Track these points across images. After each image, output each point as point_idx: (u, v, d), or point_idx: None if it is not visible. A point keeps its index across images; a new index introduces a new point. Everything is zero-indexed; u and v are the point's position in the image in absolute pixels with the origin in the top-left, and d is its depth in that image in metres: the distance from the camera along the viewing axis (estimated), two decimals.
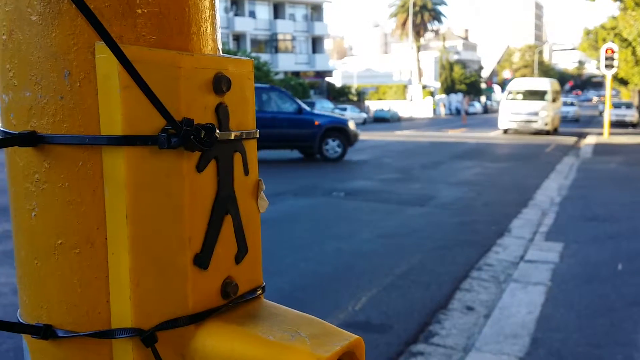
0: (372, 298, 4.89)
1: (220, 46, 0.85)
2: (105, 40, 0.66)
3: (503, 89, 29.85)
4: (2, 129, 0.76)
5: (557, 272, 5.61)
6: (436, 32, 68.33)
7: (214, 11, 0.82)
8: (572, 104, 42.15)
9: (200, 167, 0.75)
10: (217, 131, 0.74)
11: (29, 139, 0.71)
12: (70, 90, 0.70)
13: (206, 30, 0.80)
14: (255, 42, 50.79)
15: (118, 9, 0.70)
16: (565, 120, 31.48)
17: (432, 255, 6.30)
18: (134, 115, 0.69)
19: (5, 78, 0.74)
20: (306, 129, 15.03)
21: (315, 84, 52.82)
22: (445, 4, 64.37)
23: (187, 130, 0.71)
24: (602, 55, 18.23)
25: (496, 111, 33.13)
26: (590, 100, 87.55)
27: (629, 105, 36.80)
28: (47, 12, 0.70)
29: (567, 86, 75.20)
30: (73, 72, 0.70)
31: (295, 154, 16.76)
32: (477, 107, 54.73)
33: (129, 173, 0.69)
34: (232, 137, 0.79)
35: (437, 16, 63.41)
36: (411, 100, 55.41)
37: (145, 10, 0.72)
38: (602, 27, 31.87)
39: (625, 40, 25.93)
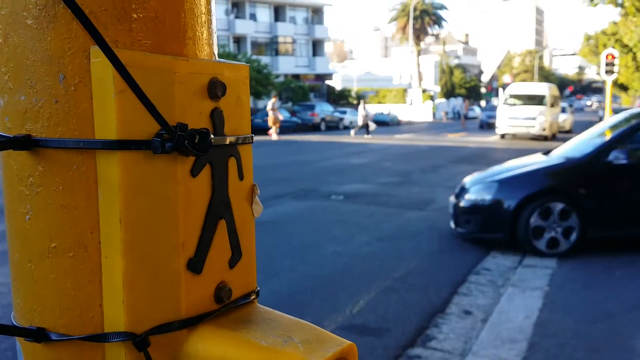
0: (370, 301, 4.89)
1: (216, 51, 0.85)
2: (100, 44, 0.66)
3: None
4: None
5: (555, 277, 5.61)
6: (436, 36, 68.36)
7: (210, 16, 0.82)
8: (563, 110, 31.76)
9: (194, 172, 0.75)
10: (212, 136, 0.74)
11: (24, 143, 0.72)
12: (65, 94, 0.71)
13: (202, 35, 0.80)
14: (256, 45, 50.82)
15: (114, 13, 0.71)
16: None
17: (430, 259, 6.30)
18: (128, 119, 0.69)
19: (0, 81, 0.74)
20: None
21: (316, 87, 52.84)
22: (446, 8, 64.46)
23: (181, 135, 0.71)
24: (603, 60, 18.25)
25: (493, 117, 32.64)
26: (589, 105, 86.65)
27: None
28: (43, 16, 0.70)
29: (567, 91, 75.20)
30: (68, 76, 0.70)
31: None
32: (477, 111, 54.77)
33: (123, 177, 0.70)
34: (227, 142, 0.80)
35: (437, 20, 63.47)
36: (411, 104, 55.48)
37: (141, 15, 0.72)
38: (603, 32, 31.91)
39: (626, 46, 25.97)
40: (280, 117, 27.65)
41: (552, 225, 6.47)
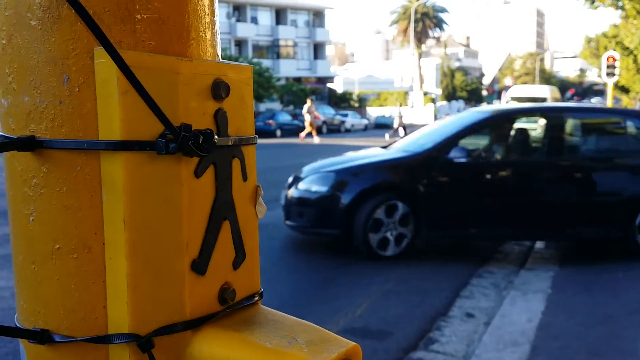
0: (371, 304, 4.88)
1: (219, 52, 0.85)
2: (104, 45, 0.66)
3: None
4: (0, 133, 0.76)
5: (557, 280, 5.60)
6: (437, 39, 68.47)
7: (214, 17, 0.82)
8: None
9: (198, 173, 0.75)
10: (216, 137, 0.74)
11: (28, 144, 0.72)
12: (69, 95, 0.71)
13: (205, 36, 0.80)
14: (257, 48, 50.90)
15: (117, 14, 0.71)
16: None
17: (432, 261, 6.29)
18: (132, 120, 0.69)
19: (4, 82, 0.74)
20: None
21: (317, 90, 52.85)
22: (447, 11, 64.54)
23: (185, 136, 0.71)
24: (604, 63, 18.25)
25: None
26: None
27: None
28: (47, 17, 0.70)
29: (569, 94, 75.00)
30: (72, 77, 0.70)
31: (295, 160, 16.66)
32: None
33: (127, 178, 0.69)
34: (231, 143, 0.80)
35: (438, 23, 63.54)
36: (412, 106, 55.52)
37: (145, 16, 0.72)
38: (604, 35, 31.96)
39: (627, 48, 25.97)
40: (318, 117, 27.34)
41: (388, 223, 6.09)
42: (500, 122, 7.06)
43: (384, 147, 7.40)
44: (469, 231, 6.40)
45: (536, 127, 7.33)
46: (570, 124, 6.86)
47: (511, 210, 6.29)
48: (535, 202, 6.32)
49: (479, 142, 6.95)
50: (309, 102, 27.36)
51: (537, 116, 7.31)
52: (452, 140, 6.35)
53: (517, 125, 7.10)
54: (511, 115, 7.27)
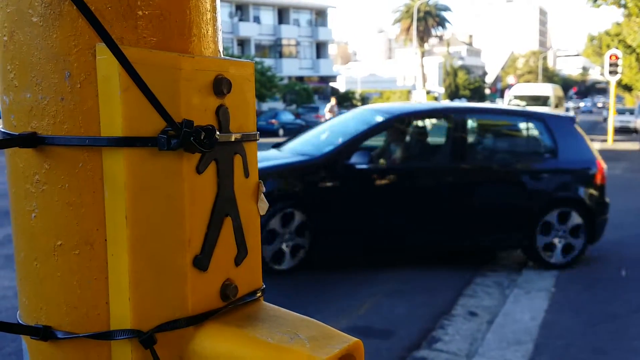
0: (374, 303, 4.88)
1: (221, 48, 0.85)
2: (106, 41, 0.66)
3: None
4: (2, 130, 0.76)
5: (560, 278, 5.59)
6: (440, 37, 68.39)
7: (215, 14, 0.82)
8: (567, 112, 28.40)
9: (200, 169, 0.75)
10: (217, 133, 0.74)
11: (30, 140, 0.72)
12: (70, 91, 0.71)
13: (207, 32, 0.80)
14: (260, 47, 50.90)
15: (119, 10, 0.71)
16: None
17: (435, 260, 6.28)
18: (134, 116, 0.69)
19: (6, 79, 0.74)
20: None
21: (320, 89, 52.84)
22: (449, 9, 64.44)
23: (186, 132, 0.71)
24: (606, 61, 18.23)
25: None
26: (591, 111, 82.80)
27: (632, 112, 36.78)
28: (48, 13, 0.70)
29: (571, 92, 74.79)
30: (74, 73, 0.70)
31: None
32: None
33: (129, 174, 0.69)
34: (233, 139, 0.79)
35: (441, 22, 63.44)
36: None
37: (146, 12, 0.72)
38: (606, 33, 31.92)
39: (630, 46, 25.93)
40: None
41: (284, 234, 5.49)
42: (401, 125, 6.49)
43: (276, 146, 6.67)
44: (368, 242, 5.90)
45: (439, 130, 6.74)
46: (472, 126, 6.51)
47: (414, 218, 5.92)
48: (438, 209, 5.95)
49: (381, 145, 6.42)
50: (333, 100, 27.52)
51: (439, 118, 6.90)
52: (352, 144, 5.76)
53: (419, 128, 6.76)
54: (412, 117, 6.67)
